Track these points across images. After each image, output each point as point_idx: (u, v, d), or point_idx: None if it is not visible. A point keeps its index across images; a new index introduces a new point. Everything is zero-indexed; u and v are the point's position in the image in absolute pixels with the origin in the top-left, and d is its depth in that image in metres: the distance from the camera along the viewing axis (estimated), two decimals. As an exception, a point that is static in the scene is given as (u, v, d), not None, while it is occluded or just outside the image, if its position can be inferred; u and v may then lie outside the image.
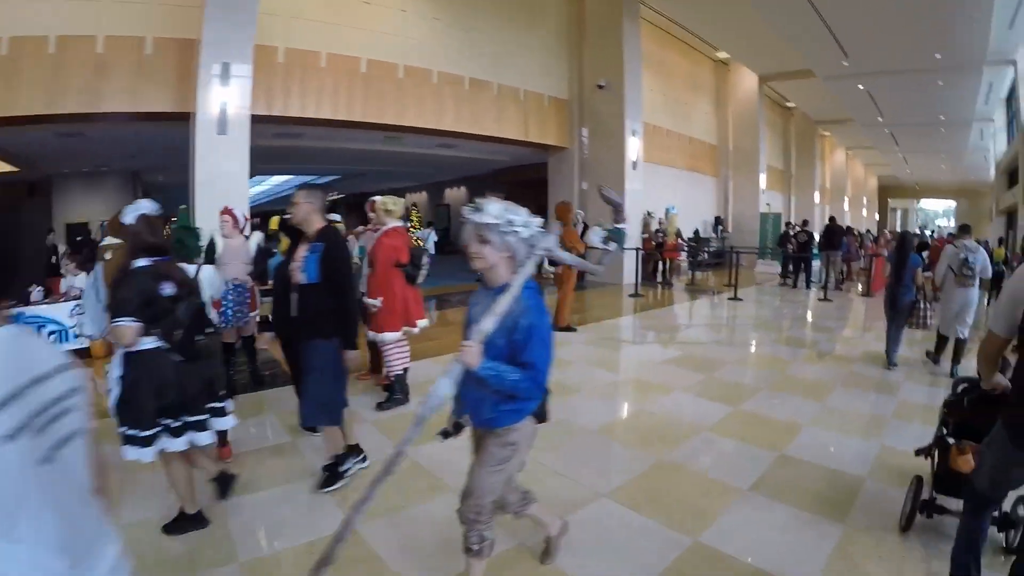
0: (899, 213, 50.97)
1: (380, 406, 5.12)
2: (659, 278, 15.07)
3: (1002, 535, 3.04)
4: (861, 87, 17.75)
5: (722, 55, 20.87)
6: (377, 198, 5.27)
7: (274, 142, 12.98)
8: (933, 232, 38.59)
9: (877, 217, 46.95)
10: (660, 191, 17.63)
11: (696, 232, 18.99)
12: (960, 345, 6.63)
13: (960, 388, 3.40)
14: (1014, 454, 2.27)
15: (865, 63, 15.02)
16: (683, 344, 8.45)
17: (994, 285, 10.06)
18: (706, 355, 7.55)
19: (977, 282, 6.69)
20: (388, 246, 5.04)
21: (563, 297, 8.51)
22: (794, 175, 28.80)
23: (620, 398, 6.08)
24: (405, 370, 5.26)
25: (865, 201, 42.27)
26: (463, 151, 16.44)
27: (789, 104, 27.30)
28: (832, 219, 15.90)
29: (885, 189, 48.96)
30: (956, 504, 3.07)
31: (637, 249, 13.85)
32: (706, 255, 18.73)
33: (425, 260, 5.22)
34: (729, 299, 12.35)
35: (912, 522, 3.23)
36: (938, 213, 51.44)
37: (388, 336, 5.07)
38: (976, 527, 2.55)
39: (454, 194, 28.08)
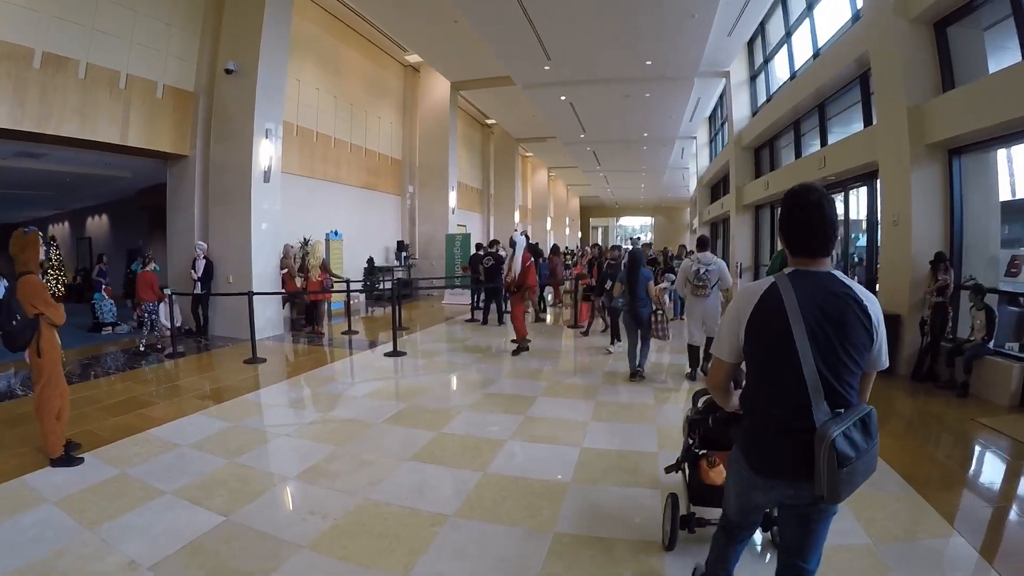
0: (600, 231, 54.76)
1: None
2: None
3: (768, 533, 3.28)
4: (563, 98, 17.01)
5: (413, 58, 18.70)
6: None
7: None
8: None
9: (580, 235, 49.82)
10: (327, 212, 14.90)
11: (370, 261, 16.37)
12: (706, 349, 7.25)
13: (701, 402, 3.34)
14: (752, 478, 2.14)
15: (569, 69, 14.39)
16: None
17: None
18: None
19: (713, 291, 7.20)
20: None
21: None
22: (493, 195, 28.01)
23: None
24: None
25: (568, 220, 44.11)
26: (53, 162, 12.00)
27: (489, 121, 26.38)
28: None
29: (587, 209, 52.24)
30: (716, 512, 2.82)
31: (279, 293, 11.08)
32: (379, 287, 16.19)
33: None
34: (387, 354, 9.08)
35: (675, 540, 3.23)
36: (636, 229, 56.16)
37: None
38: (728, 547, 2.54)
39: (95, 224, 21.69)
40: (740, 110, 16.94)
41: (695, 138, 25.24)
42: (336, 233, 14.69)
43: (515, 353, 9.06)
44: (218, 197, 11.02)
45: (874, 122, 8.96)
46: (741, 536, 2.49)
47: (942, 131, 7.24)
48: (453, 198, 19.58)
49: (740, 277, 15.65)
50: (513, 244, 9.37)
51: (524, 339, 9.26)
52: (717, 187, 24.68)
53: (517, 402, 6.48)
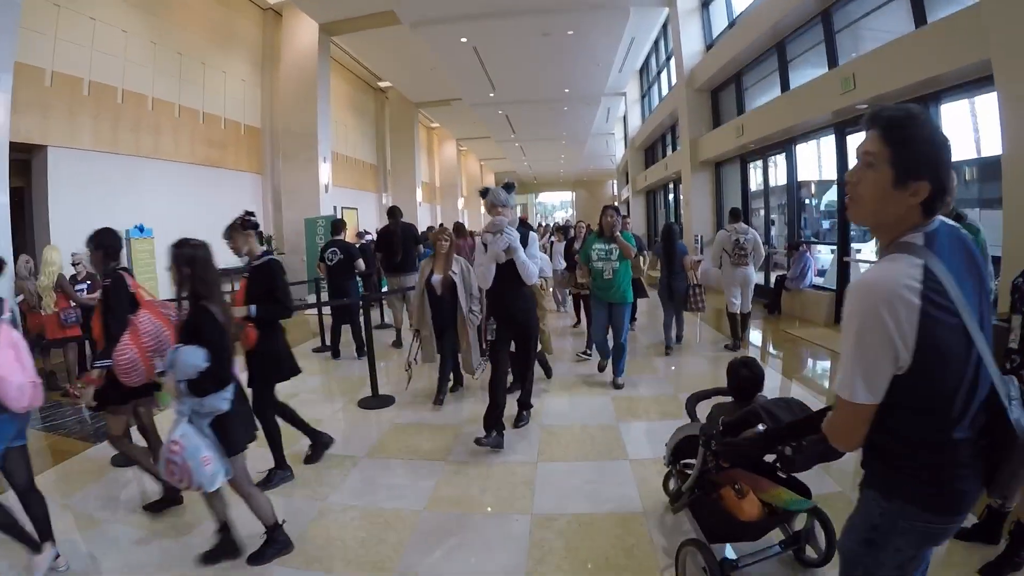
0: (518, 208, 50.99)
1: None
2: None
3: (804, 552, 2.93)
4: (464, 39, 13.89)
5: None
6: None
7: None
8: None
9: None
10: (141, 199, 10.72)
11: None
12: (745, 319, 7.73)
13: (722, 421, 2.60)
14: (937, 527, 1.53)
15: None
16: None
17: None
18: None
19: (751, 260, 7.46)
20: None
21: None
22: (391, 170, 23.76)
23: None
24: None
25: (482, 201, 40.15)
26: None
27: (383, 84, 22.12)
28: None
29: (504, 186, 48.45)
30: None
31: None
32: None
33: None
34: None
35: None
36: (556, 206, 52.93)
37: None
38: None
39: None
40: (691, 44, 13.43)
41: (624, 94, 21.77)
42: (140, 229, 10.31)
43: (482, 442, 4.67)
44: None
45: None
46: None
47: None
48: (326, 172, 15.22)
49: (701, 253, 12.16)
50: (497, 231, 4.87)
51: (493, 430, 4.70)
52: (653, 149, 21.38)
53: None
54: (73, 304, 6.93)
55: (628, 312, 6.14)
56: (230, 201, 13.49)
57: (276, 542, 3.15)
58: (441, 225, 7.07)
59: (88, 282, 7.27)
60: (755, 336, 8.89)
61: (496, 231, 4.44)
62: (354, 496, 3.97)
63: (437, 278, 5.70)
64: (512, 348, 4.85)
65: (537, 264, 4.57)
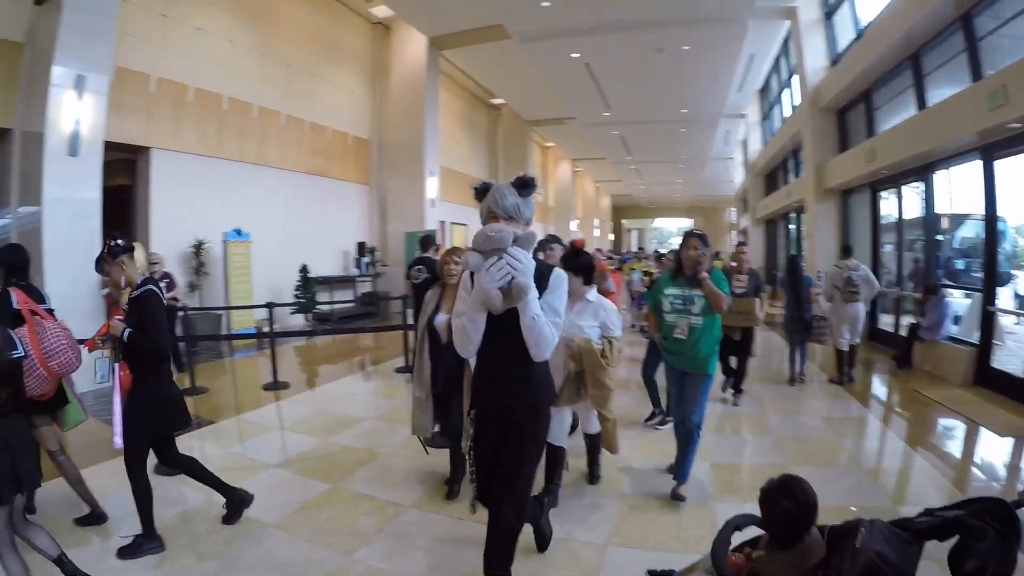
0: (634, 233, 49.65)
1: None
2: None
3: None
4: (576, 55, 13.30)
5: (381, 11, 14.52)
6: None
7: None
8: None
9: (612, 238, 45.11)
10: (242, 203, 10.98)
11: (303, 270, 11.57)
12: (853, 352, 7.61)
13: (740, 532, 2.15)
14: None
15: (578, 7, 11.01)
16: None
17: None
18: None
19: (861, 296, 7.46)
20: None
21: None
22: (502, 188, 23.60)
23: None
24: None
25: (597, 222, 39.34)
26: None
27: (496, 101, 22.14)
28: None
29: (620, 209, 47.46)
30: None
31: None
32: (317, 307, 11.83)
33: None
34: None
35: None
36: (673, 232, 51.20)
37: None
38: None
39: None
40: (814, 59, 12.23)
41: (744, 116, 20.49)
42: (238, 232, 10.53)
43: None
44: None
45: None
46: None
47: None
48: (433, 186, 15.20)
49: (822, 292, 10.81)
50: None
51: None
52: (774, 175, 19.92)
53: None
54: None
55: (707, 387, 4.08)
56: (334, 210, 13.81)
57: None
58: (454, 248, 4.48)
59: (165, 280, 7.36)
60: (879, 390, 7.71)
61: (491, 250, 2.30)
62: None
63: (442, 319, 3.81)
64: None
65: (558, 329, 2.44)
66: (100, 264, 3.37)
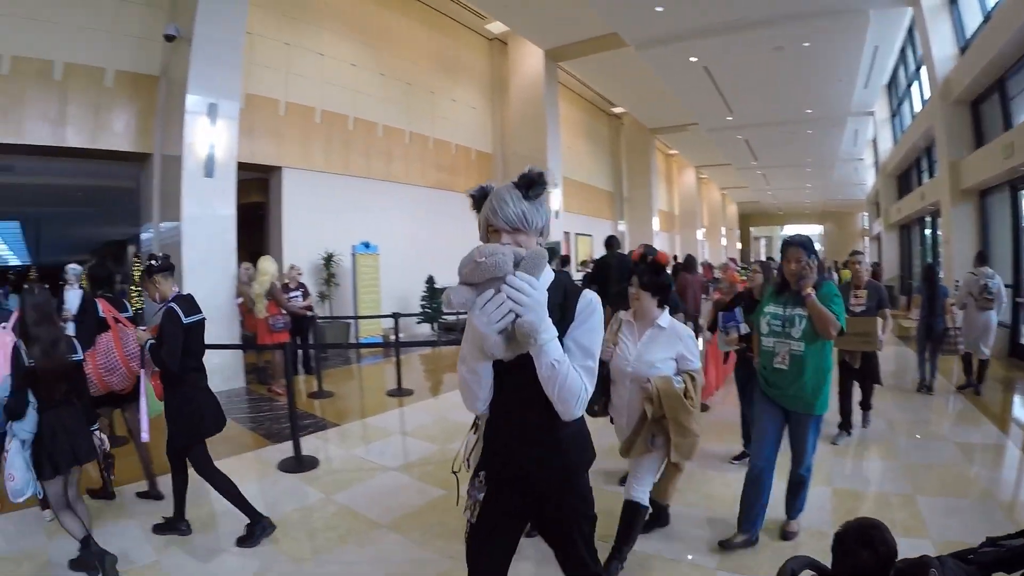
0: (763, 241, 47.25)
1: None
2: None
3: None
4: (694, 59, 13.12)
5: (496, 27, 14.77)
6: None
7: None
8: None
9: (739, 247, 43.06)
10: (368, 217, 11.37)
11: (430, 281, 11.72)
12: (983, 365, 7.15)
13: None
14: None
15: (692, 9, 10.98)
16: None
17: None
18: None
19: (996, 305, 7.06)
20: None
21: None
22: (627, 197, 23.24)
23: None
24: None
25: (724, 231, 37.74)
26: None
27: (617, 110, 21.86)
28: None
29: (747, 216, 45.34)
30: None
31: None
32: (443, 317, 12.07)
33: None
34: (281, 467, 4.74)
35: None
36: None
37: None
38: None
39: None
40: (942, 48, 10.93)
41: (872, 113, 18.87)
42: (366, 245, 10.89)
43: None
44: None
45: None
46: None
47: None
48: (556, 197, 15.14)
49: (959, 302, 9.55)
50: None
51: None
52: (907, 175, 18.18)
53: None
54: (283, 312, 7.35)
55: (816, 429, 3.31)
56: (460, 223, 13.97)
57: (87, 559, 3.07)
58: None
59: (300, 291, 7.72)
60: (1019, 412, 6.50)
61: (485, 281, 1.59)
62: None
63: None
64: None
65: (591, 376, 1.72)
66: (142, 283, 3.65)
